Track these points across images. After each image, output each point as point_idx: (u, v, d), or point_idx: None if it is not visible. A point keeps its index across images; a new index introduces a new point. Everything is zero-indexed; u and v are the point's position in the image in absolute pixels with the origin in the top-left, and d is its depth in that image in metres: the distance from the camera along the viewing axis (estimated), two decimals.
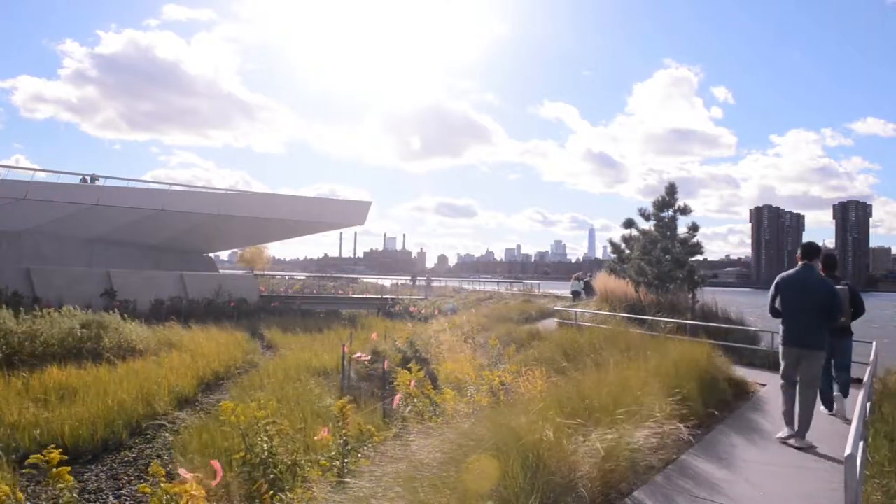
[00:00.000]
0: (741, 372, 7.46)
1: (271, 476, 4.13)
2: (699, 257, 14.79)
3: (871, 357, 6.65)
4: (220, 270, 35.60)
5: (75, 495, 3.59)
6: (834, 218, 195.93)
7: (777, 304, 4.93)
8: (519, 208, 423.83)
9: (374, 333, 14.40)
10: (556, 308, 15.83)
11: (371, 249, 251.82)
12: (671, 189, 14.59)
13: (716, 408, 5.87)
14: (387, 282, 39.05)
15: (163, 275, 22.27)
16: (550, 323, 13.87)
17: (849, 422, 5.13)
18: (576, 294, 20.40)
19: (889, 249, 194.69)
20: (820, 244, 5.30)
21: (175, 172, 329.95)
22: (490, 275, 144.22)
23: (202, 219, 25.03)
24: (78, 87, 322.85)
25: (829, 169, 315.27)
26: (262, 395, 7.62)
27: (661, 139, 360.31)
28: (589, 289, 20.83)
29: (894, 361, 8.10)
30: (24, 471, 3.61)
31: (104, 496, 5.61)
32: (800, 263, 4.93)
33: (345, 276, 61.27)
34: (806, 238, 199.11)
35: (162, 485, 3.30)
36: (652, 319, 11.11)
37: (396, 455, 3.44)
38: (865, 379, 5.42)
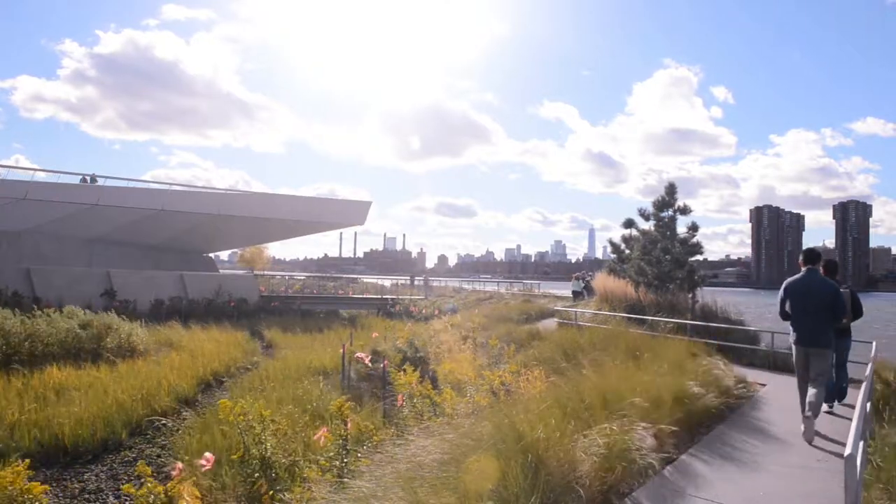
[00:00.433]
0: (741, 371, 7.46)
1: (271, 476, 4.12)
2: (699, 257, 14.79)
3: (871, 357, 6.65)
4: (220, 270, 35.59)
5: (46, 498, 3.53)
6: (834, 218, 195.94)
7: (787, 307, 5.33)
8: (519, 208, 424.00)
9: (374, 333, 14.40)
10: (556, 308, 15.83)
11: (371, 249, 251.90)
12: (671, 189, 14.59)
13: (716, 407, 5.87)
14: (387, 282, 39.03)
15: (163, 275, 22.27)
16: (550, 323, 13.86)
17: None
18: (577, 294, 20.39)
19: (889, 249, 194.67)
20: (820, 244, 5.41)
21: (174, 172, 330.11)
22: (490, 275, 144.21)
23: (202, 219, 25.02)
24: (77, 87, 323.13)
25: (829, 169, 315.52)
26: (262, 396, 7.63)
27: (661, 139, 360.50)
28: (589, 289, 20.99)
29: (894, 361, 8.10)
30: (35, 468, 3.60)
31: (104, 496, 5.60)
32: (803, 269, 5.33)
33: (345, 276, 61.25)
34: (806, 238, 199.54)
35: (148, 484, 3.26)
36: (652, 319, 11.11)
37: (396, 455, 3.44)
38: (865, 379, 5.42)
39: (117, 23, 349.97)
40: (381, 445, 4.11)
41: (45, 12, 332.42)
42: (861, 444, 3.23)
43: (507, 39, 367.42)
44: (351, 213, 30.78)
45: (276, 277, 40.41)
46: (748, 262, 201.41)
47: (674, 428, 4.69)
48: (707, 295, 13.53)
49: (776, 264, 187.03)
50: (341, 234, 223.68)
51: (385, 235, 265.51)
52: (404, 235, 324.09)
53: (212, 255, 36.20)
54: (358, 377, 10.08)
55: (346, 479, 3.42)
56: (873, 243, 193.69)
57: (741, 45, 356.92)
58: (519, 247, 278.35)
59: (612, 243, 16.74)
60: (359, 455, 4.16)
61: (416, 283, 37.56)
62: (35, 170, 26.76)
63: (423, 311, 23.21)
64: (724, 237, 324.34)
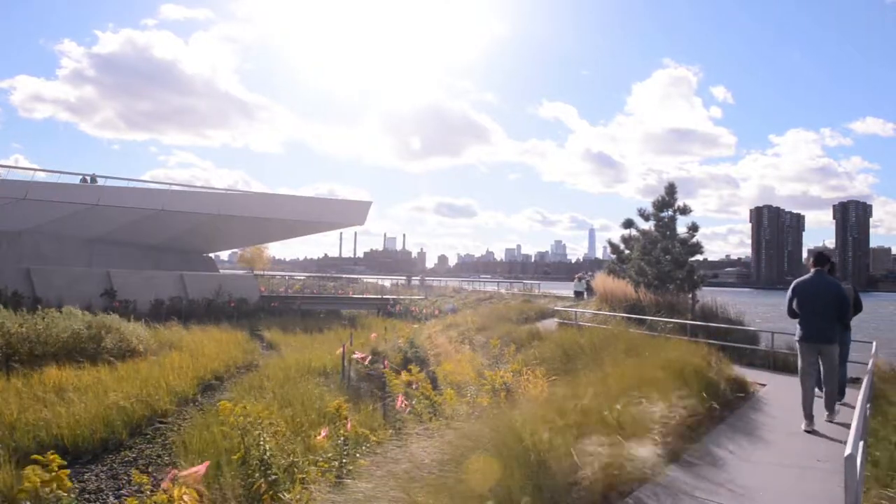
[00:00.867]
0: (741, 371, 7.45)
1: (270, 477, 4.13)
2: (699, 257, 14.80)
3: (871, 357, 6.66)
4: (220, 270, 35.60)
5: (73, 496, 3.60)
6: (834, 218, 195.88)
7: (794, 306, 5.59)
8: (518, 208, 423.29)
9: (373, 333, 14.41)
10: (556, 308, 15.82)
11: (371, 249, 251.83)
12: (671, 189, 14.59)
13: (716, 407, 5.86)
14: (387, 282, 39.07)
15: (163, 275, 22.27)
16: (550, 323, 13.86)
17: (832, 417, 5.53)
18: (578, 294, 20.39)
19: (889, 249, 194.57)
20: (820, 244, 5.47)
21: (174, 172, 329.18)
22: (490, 275, 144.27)
23: (202, 219, 25.03)
24: (76, 87, 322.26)
25: (829, 169, 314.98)
26: (262, 397, 7.63)
27: (661, 139, 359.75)
28: (589, 288, 21.12)
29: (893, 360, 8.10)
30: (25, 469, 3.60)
31: (104, 496, 5.60)
32: (812, 270, 5.62)
33: (345, 276, 61.30)
34: (806, 238, 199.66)
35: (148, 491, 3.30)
36: (652, 319, 11.11)
37: (395, 456, 3.44)
38: (865, 379, 5.42)
39: (116, 23, 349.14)
40: (380, 446, 4.11)
41: (43, 12, 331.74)
42: (861, 444, 3.23)
43: (507, 39, 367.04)
44: (351, 213, 30.80)
45: (276, 277, 40.44)
46: (748, 262, 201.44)
47: (673, 428, 4.69)
48: (707, 295, 13.54)
49: (776, 264, 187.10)
50: (341, 234, 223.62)
51: (385, 235, 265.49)
52: (404, 235, 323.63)
53: (212, 255, 36.21)
54: (358, 377, 10.08)
55: (344, 480, 3.42)
56: (873, 243, 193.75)
57: (740, 44, 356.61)
58: (519, 247, 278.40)
59: (611, 244, 16.74)
60: (358, 455, 4.16)
61: (413, 282, 37.69)
62: (35, 170, 26.80)
63: (423, 311, 23.22)
64: (724, 237, 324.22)
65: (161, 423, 8.05)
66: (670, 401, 5.02)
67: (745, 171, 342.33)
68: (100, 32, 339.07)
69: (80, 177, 22.94)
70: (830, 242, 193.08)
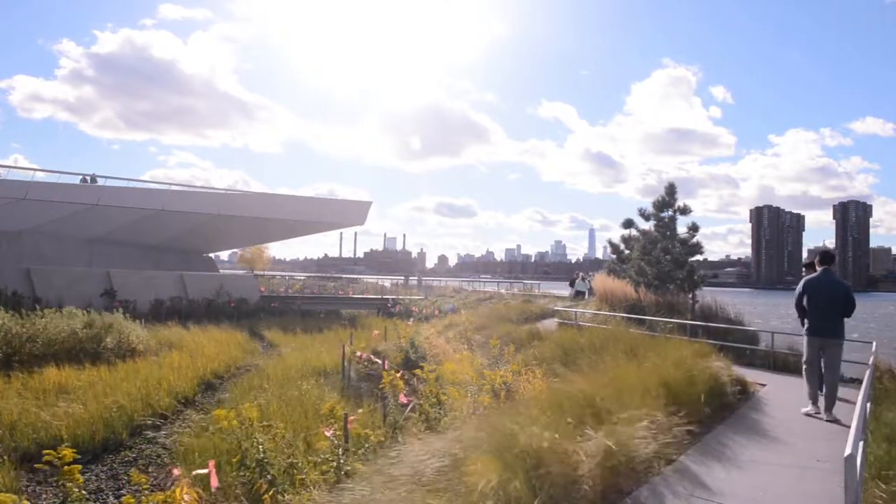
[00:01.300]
0: (741, 372, 7.45)
1: (269, 478, 4.13)
2: (699, 257, 14.80)
3: (871, 358, 6.66)
4: (220, 270, 35.59)
5: (84, 492, 3.60)
6: (834, 218, 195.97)
7: (804, 302, 5.93)
8: (518, 208, 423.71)
9: (374, 333, 14.41)
10: (556, 308, 15.82)
11: (371, 249, 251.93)
12: (671, 189, 14.59)
13: (716, 408, 5.87)
14: (387, 282, 39.09)
15: (163, 275, 22.27)
16: (550, 323, 13.86)
17: (834, 420, 5.60)
18: (580, 294, 20.39)
19: (889, 249, 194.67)
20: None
21: (173, 172, 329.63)
22: (490, 275, 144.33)
23: (202, 219, 25.03)
24: (75, 87, 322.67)
25: (829, 169, 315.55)
26: (262, 397, 7.63)
27: (660, 139, 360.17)
28: (589, 289, 21.17)
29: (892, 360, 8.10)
30: (35, 468, 3.62)
31: (104, 496, 5.61)
32: (819, 269, 5.96)
33: (345, 276, 61.33)
34: (806, 238, 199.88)
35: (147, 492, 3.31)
36: (652, 320, 11.11)
37: (395, 455, 3.44)
38: (865, 379, 5.43)
39: (114, 22, 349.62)
40: (380, 445, 4.11)
41: (42, 12, 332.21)
42: (861, 444, 3.23)
43: (507, 39, 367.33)
44: (351, 213, 30.79)
45: (276, 277, 40.45)
46: (748, 262, 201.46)
47: (674, 428, 4.69)
48: (707, 295, 13.54)
49: (776, 264, 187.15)
50: (341, 234, 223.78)
51: (385, 235, 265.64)
52: (404, 235, 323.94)
53: (212, 255, 36.21)
54: (358, 377, 10.09)
55: (344, 480, 3.42)
56: (873, 243, 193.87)
57: (740, 44, 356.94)
58: (519, 247, 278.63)
59: (611, 244, 16.75)
60: (357, 455, 4.16)
61: (410, 282, 37.85)
62: (35, 170, 26.80)
63: (424, 311, 23.22)
64: (724, 237, 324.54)
65: (161, 423, 8.05)
66: (670, 400, 5.02)
67: (744, 171, 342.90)
68: (98, 32, 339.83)
69: (80, 177, 22.94)
70: (830, 242, 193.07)
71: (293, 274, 64.33)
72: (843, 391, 6.97)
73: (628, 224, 15.49)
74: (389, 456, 3.45)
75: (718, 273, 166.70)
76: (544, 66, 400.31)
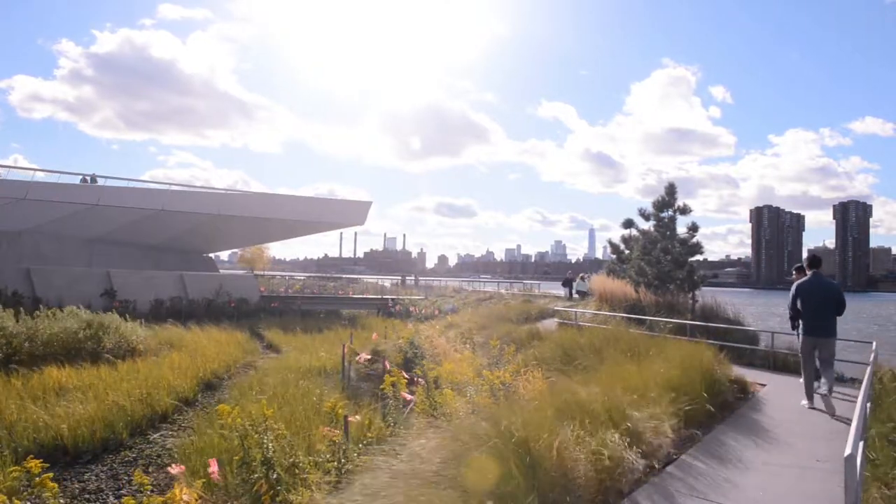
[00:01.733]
0: (741, 372, 7.46)
1: (274, 477, 4.12)
2: (699, 257, 14.80)
3: (871, 358, 6.66)
4: (220, 270, 35.59)
5: (60, 501, 3.60)
6: (834, 218, 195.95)
7: (798, 304, 6.25)
8: (518, 208, 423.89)
9: (374, 333, 14.41)
10: (556, 308, 15.82)
11: (371, 249, 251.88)
12: (671, 189, 14.59)
13: (716, 408, 5.87)
14: (387, 282, 39.12)
15: (163, 275, 22.26)
16: (550, 323, 13.86)
17: (831, 411, 5.91)
18: (582, 293, 20.44)
19: (889, 249, 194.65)
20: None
21: (173, 172, 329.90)
22: (490, 275, 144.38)
23: (202, 219, 25.02)
24: (74, 87, 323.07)
25: (828, 169, 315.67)
26: (262, 397, 7.62)
27: (660, 139, 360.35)
28: (574, 287, 21.99)
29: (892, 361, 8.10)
30: (10, 477, 3.64)
31: (104, 496, 5.60)
32: (808, 272, 6.29)
33: (345, 276, 61.35)
34: (806, 238, 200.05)
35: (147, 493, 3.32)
36: (652, 320, 11.11)
37: (395, 455, 3.44)
38: (865, 379, 5.43)
39: (113, 22, 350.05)
40: (381, 445, 4.11)
41: (41, 12, 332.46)
42: (861, 444, 3.23)
43: (506, 39, 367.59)
44: (351, 213, 30.79)
45: (277, 277, 40.47)
46: (748, 262, 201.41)
47: (673, 428, 4.69)
48: (707, 295, 13.54)
49: (776, 264, 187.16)
50: (341, 234, 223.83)
51: (385, 235, 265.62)
52: (404, 235, 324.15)
53: (212, 255, 36.22)
54: (358, 377, 10.08)
55: (345, 479, 3.42)
56: (873, 243, 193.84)
57: (739, 44, 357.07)
58: (519, 247, 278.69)
59: (611, 244, 16.75)
60: (358, 455, 4.16)
61: (407, 282, 38.06)
62: (35, 170, 26.77)
63: (423, 311, 23.23)
64: (724, 237, 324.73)
65: (161, 423, 8.05)
66: (670, 401, 5.02)
67: (744, 171, 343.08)
68: (97, 32, 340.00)
69: (80, 177, 22.94)
70: (830, 242, 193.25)
71: (293, 274, 64.37)
72: (842, 390, 7.02)
73: (628, 224, 15.49)
74: (390, 454, 3.45)
75: (718, 273, 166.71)
76: (544, 65, 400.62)
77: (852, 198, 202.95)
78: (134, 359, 11.00)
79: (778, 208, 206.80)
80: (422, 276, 56.28)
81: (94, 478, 6.04)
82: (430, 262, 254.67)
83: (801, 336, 6.35)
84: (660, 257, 13.83)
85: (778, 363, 8.79)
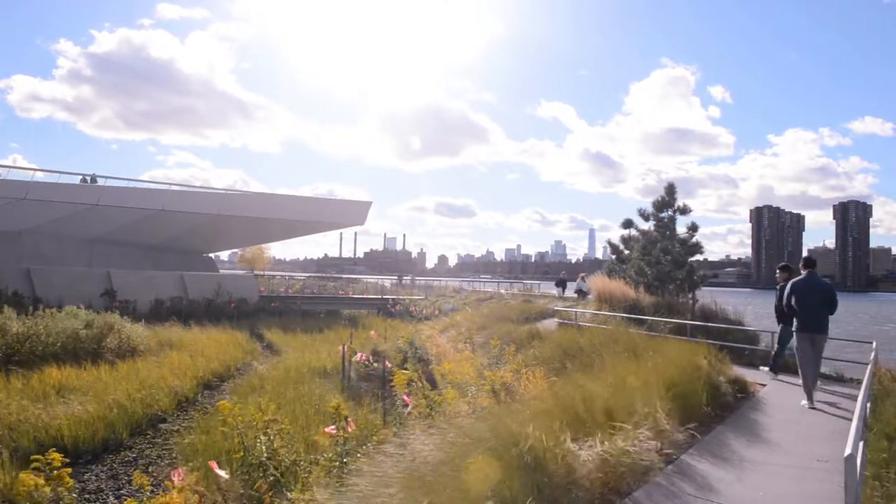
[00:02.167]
0: (741, 372, 7.46)
1: (271, 477, 4.12)
2: (699, 257, 14.82)
3: (871, 358, 6.66)
4: (220, 270, 35.59)
5: (74, 496, 3.61)
6: (834, 218, 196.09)
7: (793, 302, 6.55)
8: (518, 208, 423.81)
9: (374, 333, 14.41)
10: (556, 308, 15.82)
11: (371, 249, 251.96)
12: (670, 189, 14.61)
13: (716, 408, 5.87)
14: (387, 282, 39.18)
15: (163, 275, 22.27)
16: (550, 323, 13.85)
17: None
18: (581, 293, 20.46)
19: (889, 249, 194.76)
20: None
21: (173, 172, 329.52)
22: (490, 275, 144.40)
23: (202, 219, 25.03)
24: (73, 87, 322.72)
25: (828, 169, 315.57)
26: (262, 397, 7.62)
27: (659, 139, 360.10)
28: (563, 287, 22.91)
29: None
30: (31, 466, 3.62)
31: (104, 496, 5.61)
32: (804, 272, 6.62)
33: (345, 276, 61.39)
34: (806, 238, 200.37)
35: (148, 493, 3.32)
36: (651, 320, 11.11)
37: (396, 455, 3.44)
38: (865, 379, 5.43)
39: (112, 22, 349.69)
40: (381, 445, 4.11)
41: (39, 12, 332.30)
42: (861, 444, 3.23)
43: (505, 39, 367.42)
44: (351, 213, 30.80)
45: (276, 277, 40.45)
46: (748, 262, 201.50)
47: (673, 428, 4.69)
48: (707, 295, 13.54)
49: (776, 264, 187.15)
50: (341, 234, 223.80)
51: (385, 235, 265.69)
52: (404, 235, 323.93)
53: (212, 255, 36.22)
54: (358, 377, 10.08)
55: (346, 479, 3.42)
56: (873, 243, 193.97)
57: (739, 44, 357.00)
58: (519, 247, 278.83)
59: (611, 244, 16.76)
60: (359, 455, 4.16)
61: (403, 282, 38.27)
62: (35, 170, 26.82)
63: (424, 311, 23.23)
64: (724, 237, 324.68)
65: (161, 423, 8.05)
66: (670, 401, 5.02)
67: (744, 170, 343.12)
68: (96, 32, 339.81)
69: (80, 177, 22.97)
70: (830, 242, 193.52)
71: (293, 274, 64.38)
72: (842, 389, 7.03)
73: (628, 224, 15.50)
74: (390, 454, 3.45)
75: (718, 273, 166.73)
76: (543, 65, 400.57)
77: (852, 198, 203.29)
78: (134, 359, 11.00)
79: (778, 208, 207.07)
80: (422, 277, 56.52)
81: (94, 478, 6.04)
82: (430, 262, 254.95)
83: (795, 333, 6.62)
84: (659, 257, 13.84)
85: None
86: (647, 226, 14.96)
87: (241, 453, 4.27)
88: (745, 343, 9.61)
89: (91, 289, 18.93)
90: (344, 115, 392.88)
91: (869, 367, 6.18)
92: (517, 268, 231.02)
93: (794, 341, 6.70)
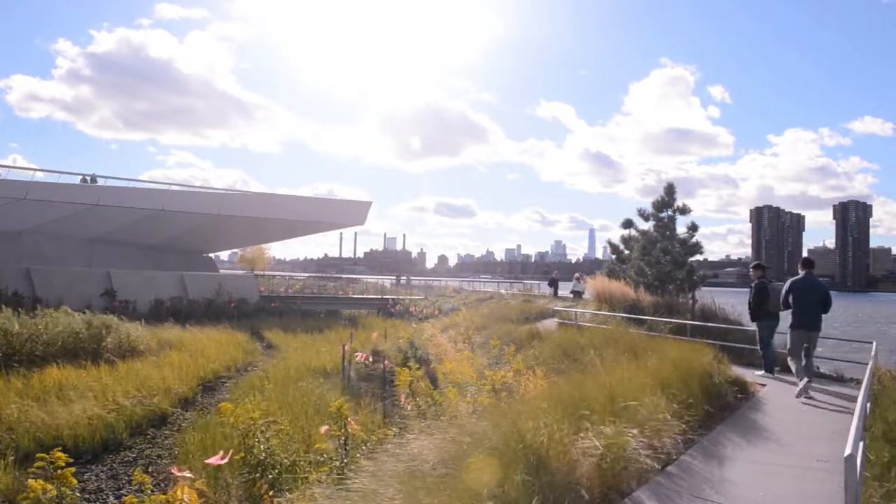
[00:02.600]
0: (741, 372, 7.46)
1: (271, 476, 4.12)
2: (699, 257, 14.82)
3: (871, 358, 6.66)
4: (220, 270, 35.58)
5: (77, 495, 3.61)
6: (834, 218, 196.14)
7: (790, 300, 6.93)
8: (518, 208, 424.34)
9: (374, 333, 14.41)
10: (556, 308, 15.81)
11: (371, 249, 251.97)
12: (670, 189, 14.61)
13: (716, 408, 5.87)
14: (387, 282, 39.23)
15: (163, 275, 22.27)
16: (550, 323, 13.85)
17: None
18: (577, 294, 20.47)
19: (889, 249, 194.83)
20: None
21: (172, 172, 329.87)
22: (490, 275, 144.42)
23: (202, 219, 25.02)
24: (72, 87, 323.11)
25: (828, 168, 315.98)
26: (262, 396, 7.63)
27: (659, 139, 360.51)
28: (556, 286, 23.28)
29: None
30: (28, 470, 3.62)
31: (104, 496, 5.61)
32: (802, 272, 7.02)
33: (345, 276, 61.40)
34: (806, 238, 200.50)
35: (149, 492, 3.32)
36: (651, 320, 11.10)
37: (397, 454, 3.44)
38: (865, 379, 5.43)
39: (110, 22, 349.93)
40: (381, 445, 4.11)
41: (38, 12, 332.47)
42: (861, 444, 3.23)
43: (505, 39, 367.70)
44: (351, 213, 30.80)
45: (277, 277, 40.45)
46: (748, 262, 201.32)
47: (673, 428, 4.69)
48: (706, 295, 13.53)
49: (776, 264, 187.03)
50: (341, 234, 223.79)
51: (385, 235, 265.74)
52: (404, 235, 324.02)
53: (212, 255, 36.21)
54: (358, 377, 10.08)
55: (346, 479, 3.42)
56: (873, 243, 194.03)
57: (738, 44, 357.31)
58: (519, 247, 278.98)
59: (611, 244, 16.77)
60: (359, 455, 4.16)
61: (401, 282, 38.51)
62: (35, 170, 26.81)
63: (424, 311, 23.24)
64: (724, 237, 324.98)
65: (161, 423, 8.05)
66: (670, 401, 5.02)
67: (743, 170, 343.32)
68: (95, 32, 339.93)
69: (80, 177, 22.96)
70: (830, 242, 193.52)
71: (293, 274, 64.39)
72: (842, 389, 7.03)
73: (628, 224, 15.50)
74: (391, 454, 3.45)
75: (718, 273, 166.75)
76: (543, 65, 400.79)
77: (852, 198, 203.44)
78: (134, 359, 11.00)
79: (778, 208, 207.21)
80: (421, 277, 56.59)
81: (94, 478, 6.05)
82: (431, 262, 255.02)
83: (790, 329, 7.00)
84: (659, 257, 13.84)
85: (778, 363, 8.78)
86: (647, 226, 14.97)
87: (241, 453, 4.27)
88: (745, 343, 9.59)
89: (91, 289, 18.93)
90: (344, 115, 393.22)
91: (869, 367, 6.18)
92: (517, 268, 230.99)
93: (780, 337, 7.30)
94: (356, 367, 10.11)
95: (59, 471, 3.40)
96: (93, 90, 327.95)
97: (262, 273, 41.65)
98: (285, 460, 4.30)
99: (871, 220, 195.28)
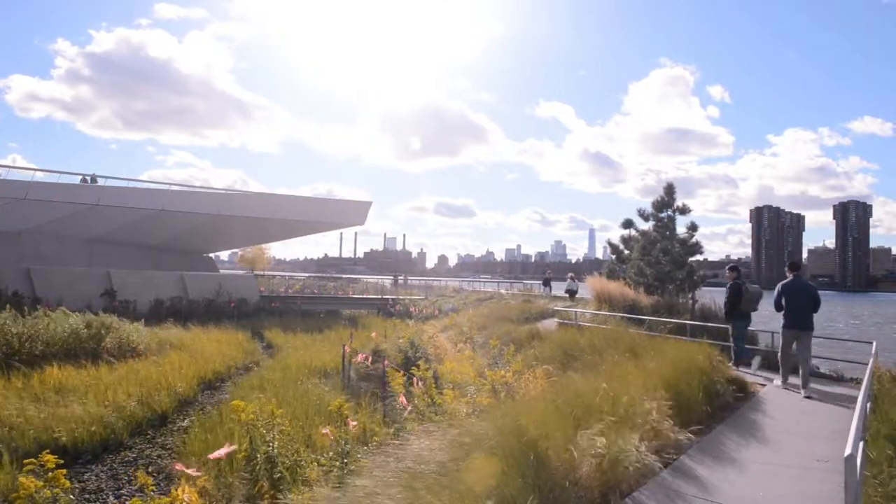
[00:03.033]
0: (740, 372, 7.46)
1: (275, 476, 4.13)
2: (698, 257, 14.81)
3: (871, 358, 6.66)
4: (220, 270, 35.58)
5: (72, 497, 3.60)
6: (834, 218, 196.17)
7: (782, 302, 7.15)
8: (517, 208, 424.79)
9: (374, 333, 14.41)
10: (556, 308, 15.81)
11: (371, 249, 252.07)
12: (670, 189, 14.61)
13: (715, 408, 5.88)
14: (387, 281, 39.28)
15: (163, 275, 22.27)
16: (550, 323, 13.85)
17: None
18: (570, 292, 20.55)
19: (889, 249, 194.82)
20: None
21: (172, 172, 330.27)
22: (490, 275, 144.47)
23: (202, 219, 25.03)
24: (71, 87, 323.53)
25: (828, 168, 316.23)
26: (263, 396, 7.63)
27: (658, 139, 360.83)
28: (549, 286, 23.50)
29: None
30: (24, 470, 3.62)
31: (104, 496, 5.60)
32: (790, 275, 7.23)
33: (345, 276, 61.43)
34: (806, 238, 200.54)
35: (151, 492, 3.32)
36: (651, 320, 11.11)
37: (397, 454, 3.44)
38: (865, 379, 5.43)
39: (110, 22, 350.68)
40: (381, 445, 4.11)
41: (37, 12, 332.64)
42: (861, 444, 3.23)
43: (505, 39, 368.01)
44: (351, 213, 30.80)
45: (277, 277, 40.45)
46: (748, 262, 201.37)
47: (672, 428, 4.70)
48: (706, 295, 13.53)
49: (776, 264, 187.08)
50: (341, 234, 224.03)
51: (385, 235, 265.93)
52: (404, 235, 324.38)
53: (212, 255, 36.22)
54: (358, 377, 10.08)
55: (347, 479, 3.43)
56: (873, 243, 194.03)
57: (737, 43, 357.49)
58: (519, 247, 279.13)
59: (611, 244, 16.77)
60: (359, 455, 4.16)
61: (399, 282, 38.77)
62: (35, 170, 26.78)
63: (424, 311, 23.24)
64: (724, 237, 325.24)
65: (161, 423, 8.05)
66: (670, 401, 5.03)
67: (743, 170, 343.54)
68: (94, 32, 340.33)
69: (80, 177, 22.96)
70: (830, 242, 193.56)
71: (293, 274, 64.40)
72: (842, 390, 7.03)
73: (627, 224, 15.51)
74: (391, 454, 3.46)
75: (718, 273, 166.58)
76: (542, 65, 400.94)
77: (852, 198, 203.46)
78: (134, 359, 10.99)
79: (778, 208, 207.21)
80: (420, 277, 56.63)
81: (94, 478, 6.04)
82: (431, 263, 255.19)
83: (782, 330, 7.24)
84: (659, 257, 13.83)
85: (777, 363, 8.77)
86: (647, 226, 14.97)
87: (245, 452, 4.27)
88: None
89: (91, 289, 18.93)
90: (343, 115, 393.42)
91: (869, 367, 6.18)
92: (517, 268, 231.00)
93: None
94: (356, 367, 10.11)
95: (51, 473, 3.39)
96: (92, 90, 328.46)
97: (262, 273, 41.67)
98: (286, 460, 4.30)
99: (871, 220, 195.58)
